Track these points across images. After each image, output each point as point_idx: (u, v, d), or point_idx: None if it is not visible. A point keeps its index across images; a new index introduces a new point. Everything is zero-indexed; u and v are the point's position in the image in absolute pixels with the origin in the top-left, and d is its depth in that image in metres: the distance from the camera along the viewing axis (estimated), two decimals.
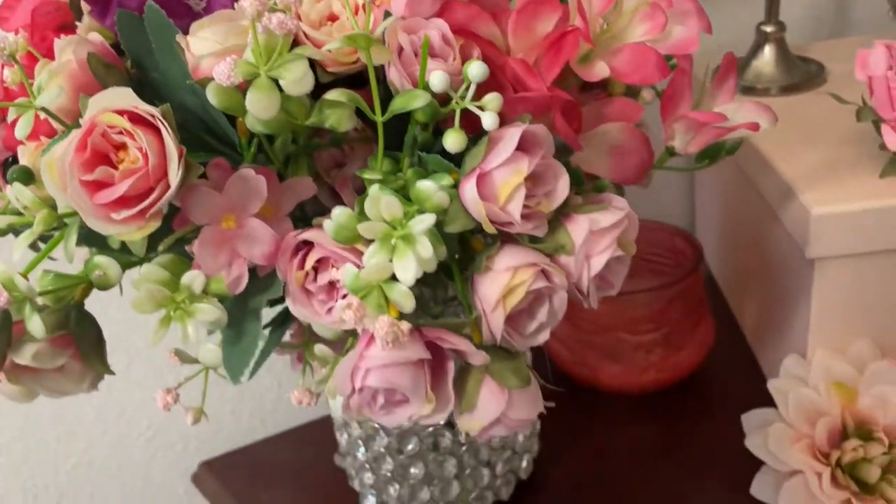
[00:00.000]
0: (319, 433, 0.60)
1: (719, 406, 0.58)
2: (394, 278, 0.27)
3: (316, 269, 0.30)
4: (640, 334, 0.55)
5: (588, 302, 0.32)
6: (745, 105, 0.35)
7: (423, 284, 0.33)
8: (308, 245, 0.30)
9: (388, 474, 0.48)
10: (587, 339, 0.57)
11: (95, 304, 0.36)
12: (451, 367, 0.29)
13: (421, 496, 0.48)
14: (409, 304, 0.27)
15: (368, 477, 0.50)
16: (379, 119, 0.29)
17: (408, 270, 0.26)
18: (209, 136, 0.32)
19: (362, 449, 0.48)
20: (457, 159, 0.30)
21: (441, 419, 0.30)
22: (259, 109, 0.27)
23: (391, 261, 0.26)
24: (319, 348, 0.32)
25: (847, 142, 0.51)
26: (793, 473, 0.47)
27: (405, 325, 0.27)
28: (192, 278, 0.29)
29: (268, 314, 0.39)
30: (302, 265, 0.29)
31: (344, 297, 0.28)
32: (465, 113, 0.30)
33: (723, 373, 0.61)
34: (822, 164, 0.50)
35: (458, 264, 0.32)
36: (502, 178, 0.28)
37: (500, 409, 0.30)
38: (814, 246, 0.46)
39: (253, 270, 0.31)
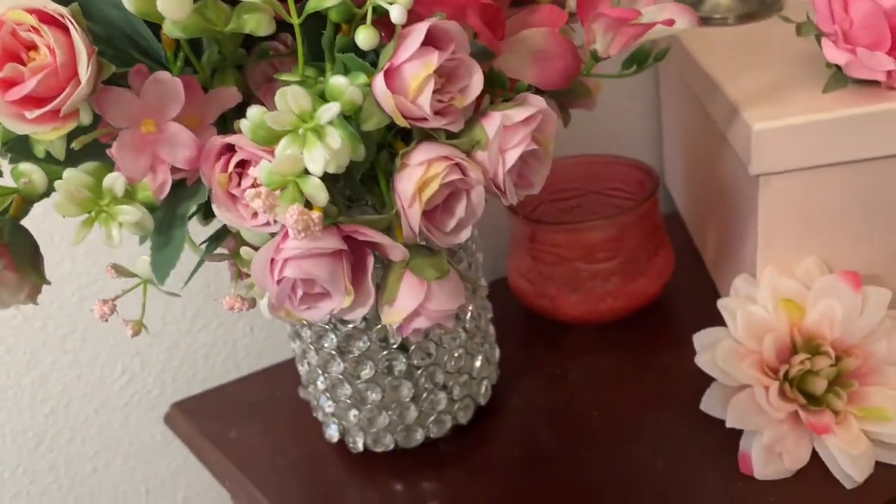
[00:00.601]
0: (287, 373, 0.61)
1: (678, 335, 0.59)
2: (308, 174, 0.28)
3: (240, 175, 0.31)
4: (597, 263, 0.56)
5: (506, 198, 0.33)
6: (667, 6, 0.35)
7: (354, 194, 0.34)
8: (232, 151, 0.31)
9: (347, 401, 0.49)
10: (547, 270, 0.58)
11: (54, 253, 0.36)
12: (370, 262, 0.30)
13: (379, 421, 0.50)
14: (322, 197, 0.28)
15: (329, 405, 0.51)
16: (295, 21, 0.30)
17: (317, 161, 0.27)
18: (137, 51, 0.33)
19: (321, 377, 0.50)
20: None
21: (362, 313, 0.31)
22: (170, 10, 0.28)
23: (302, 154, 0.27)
24: (246, 251, 0.33)
25: (796, 63, 0.52)
26: (741, 388, 0.48)
27: (315, 214, 0.27)
28: (114, 180, 0.29)
29: (206, 233, 0.40)
30: (225, 169, 0.30)
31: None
32: (386, 18, 0.30)
33: (683, 303, 0.62)
34: (769, 85, 0.50)
35: (385, 172, 0.32)
36: (411, 72, 0.28)
37: (418, 300, 0.30)
38: (756, 162, 0.46)
39: (183, 181, 0.32)
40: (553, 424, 0.53)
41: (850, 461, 0.45)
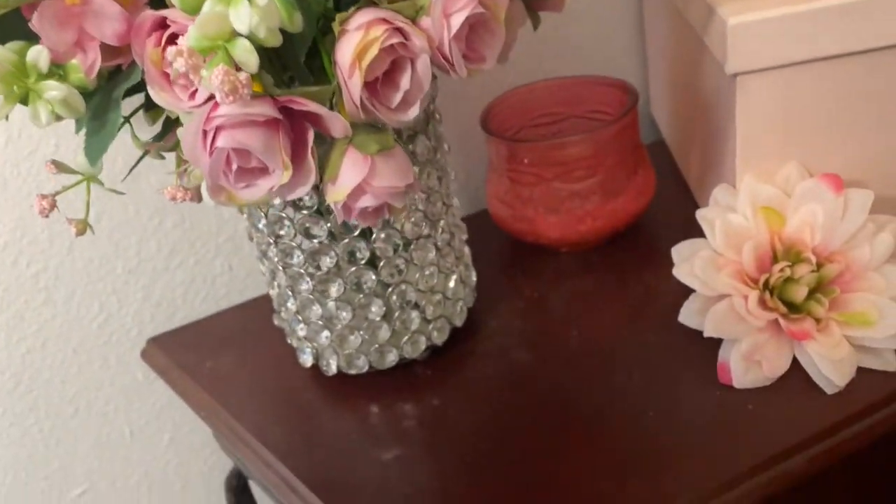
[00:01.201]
0: (263, 306, 0.60)
1: (661, 256, 0.58)
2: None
3: None
4: (575, 182, 0.55)
5: (454, 71, 0.31)
6: None
7: (297, 76, 0.32)
8: (165, 27, 0.29)
9: (318, 322, 0.48)
10: (525, 192, 0.56)
11: None
12: (310, 137, 0.29)
13: (351, 341, 0.49)
14: (252, 61, 0.26)
15: (301, 328, 0.50)
16: None
17: (243, 19, 0.25)
18: None
19: (291, 299, 0.49)
20: None
21: (304, 191, 0.29)
22: None
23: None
24: (182, 132, 0.32)
25: None
26: (720, 298, 0.46)
27: (243, 75, 0.26)
28: (37, 54, 0.28)
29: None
30: (159, 44, 0.29)
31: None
32: None
33: (666, 225, 0.60)
34: None
35: (328, 54, 0.31)
36: None
37: (362, 175, 0.29)
38: (732, 59, 0.44)
39: (120, 67, 0.31)
40: (530, 345, 0.52)
41: (830, 366, 0.43)
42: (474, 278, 0.54)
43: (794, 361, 0.45)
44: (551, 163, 0.54)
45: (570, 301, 0.55)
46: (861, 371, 0.44)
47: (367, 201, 0.30)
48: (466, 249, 0.53)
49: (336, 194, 0.29)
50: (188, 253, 0.65)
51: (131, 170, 0.34)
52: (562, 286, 0.57)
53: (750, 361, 0.45)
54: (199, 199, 0.33)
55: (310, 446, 0.48)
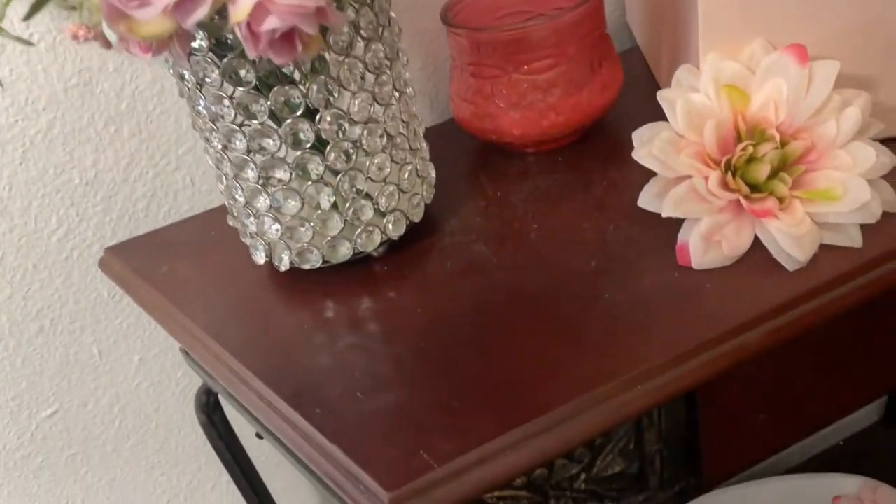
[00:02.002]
0: (222, 216, 0.59)
1: (626, 154, 0.56)
2: None
3: None
4: (537, 73, 0.53)
5: None
6: None
7: None
8: None
9: (267, 214, 0.47)
10: (487, 88, 0.54)
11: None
12: None
13: (302, 233, 0.47)
14: None
15: (251, 222, 0.48)
16: None
17: None
18: None
19: (238, 189, 0.47)
20: None
21: (203, 12, 0.28)
22: None
23: None
24: None
25: None
26: (681, 180, 0.45)
27: None
28: None
29: None
30: None
31: None
32: None
33: (635, 124, 0.58)
34: None
35: None
36: None
37: None
38: None
39: None
40: (490, 240, 0.50)
41: (792, 242, 0.42)
42: (433, 174, 0.52)
43: (756, 242, 0.44)
44: (511, 51, 0.52)
45: (533, 199, 0.53)
46: (825, 248, 0.43)
47: (271, 23, 0.28)
48: (424, 144, 0.52)
49: (237, 14, 0.28)
50: (147, 165, 0.64)
51: (31, 13, 0.32)
52: (525, 185, 0.55)
53: (709, 242, 0.43)
54: (107, 43, 0.32)
55: (262, 340, 0.47)
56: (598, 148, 0.57)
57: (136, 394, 0.72)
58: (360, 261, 0.50)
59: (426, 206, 0.52)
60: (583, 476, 0.40)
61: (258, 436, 0.62)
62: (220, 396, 0.67)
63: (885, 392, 0.47)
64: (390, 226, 0.49)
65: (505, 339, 0.42)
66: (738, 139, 0.45)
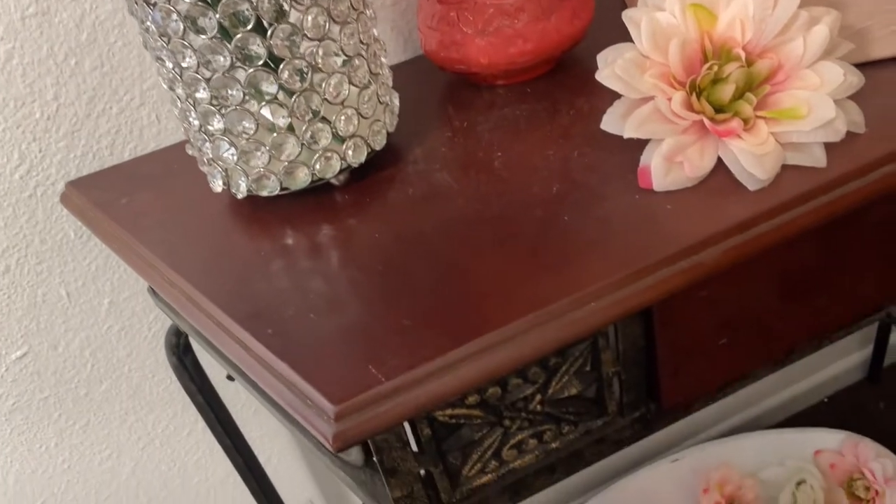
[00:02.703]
0: (183, 152, 0.58)
1: (595, 84, 0.55)
2: None
3: None
4: None
5: None
6: None
7: None
8: None
9: (222, 138, 0.46)
10: (453, 14, 0.53)
11: None
12: None
13: (258, 157, 0.46)
14: None
15: (208, 148, 0.47)
16: None
17: None
18: None
19: (192, 111, 0.46)
20: None
21: None
22: None
23: None
24: None
25: None
26: (645, 101, 0.44)
27: None
28: None
29: None
30: None
31: None
32: None
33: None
34: None
35: None
36: None
37: None
38: None
39: None
40: (454, 168, 0.49)
41: (754, 161, 0.41)
42: (397, 102, 0.51)
43: (719, 165, 0.43)
44: None
45: (499, 128, 0.52)
46: (788, 169, 0.42)
47: None
48: (387, 71, 0.50)
49: None
50: (111, 100, 0.62)
51: None
52: (492, 115, 0.54)
53: (671, 162, 0.42)
54: None
55: (218, 266, 0.46)
56: (568, 79, 0.56)
57: (107, 337, 0.71)
58: (321, 189, 0.49)
59: (389, 134, 0.51)
60: (538, 397, 0.40)
61: (229, 377, 0.62)
62: (190, 339, 0.66)
63: (854, 322, 0.47)
64: (350, 152, 0.48)
65: (462, 262, 0.42)
66: (704, 59, 0.44)
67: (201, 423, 0.80)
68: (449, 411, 0.38)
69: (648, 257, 0.38)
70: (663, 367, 0.42)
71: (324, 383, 0.36)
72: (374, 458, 0.38)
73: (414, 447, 0.39)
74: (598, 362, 0.40)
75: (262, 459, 0.79)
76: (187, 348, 0.68)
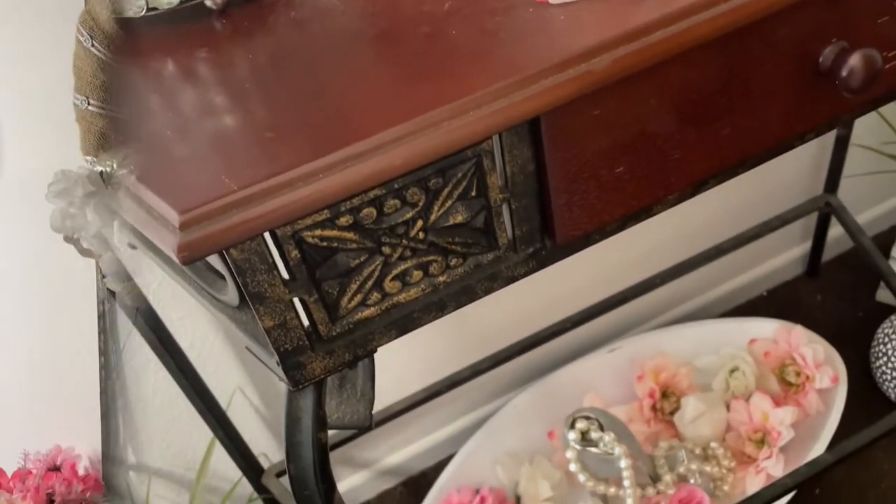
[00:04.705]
0: None
1: None
2: None
3: None
4: None
5: None
6: None
7: None
8: None
9: None
10: None
11: None
12: None
13: None
14: None
15: None
16: None
17: None
18: None
19: None
20: None
21: None
22: None
23: None
24: None
25: None
26: None
27: None
28: None
29: None
30: None
31: None
32: None
33: None
34: None
35: None
36: None
37: None
38: None
39: None
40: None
41: None
42: None
43: None
44: None
45: None
46: None
47: None
48: None
49: None
50: None
51: None
52: None
53: None
54: None
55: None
56: None
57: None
58: (199, 16, 0.45)
59: None
60: (419, 223, 0.37)
61: (131, 245, 0.58)
62: None
63: (757, 156, 0.45)
64: None
65: (338, 79, 0.38)
66: None
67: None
68: (318, 232, 0.35)
69: (535, 66, 0.35)
70: (556, 195, 0.39)
71: (173, 196, 0.33)
72: (238, 281, 0.35)
73: (284, 273, 0.36)
74: (485, 187, 0.38)
75: (183, 345, 0.76)
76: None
